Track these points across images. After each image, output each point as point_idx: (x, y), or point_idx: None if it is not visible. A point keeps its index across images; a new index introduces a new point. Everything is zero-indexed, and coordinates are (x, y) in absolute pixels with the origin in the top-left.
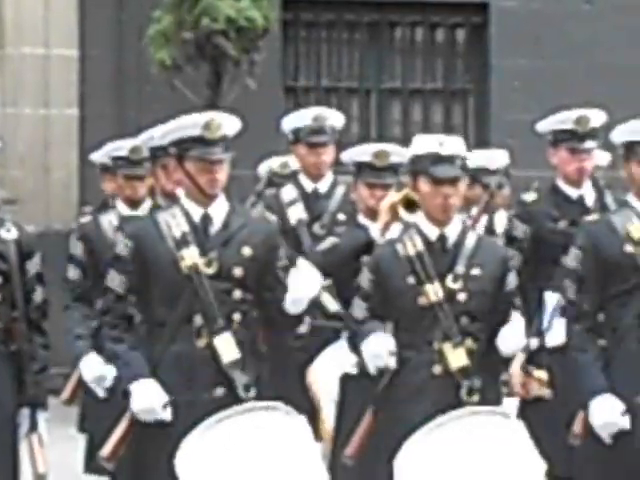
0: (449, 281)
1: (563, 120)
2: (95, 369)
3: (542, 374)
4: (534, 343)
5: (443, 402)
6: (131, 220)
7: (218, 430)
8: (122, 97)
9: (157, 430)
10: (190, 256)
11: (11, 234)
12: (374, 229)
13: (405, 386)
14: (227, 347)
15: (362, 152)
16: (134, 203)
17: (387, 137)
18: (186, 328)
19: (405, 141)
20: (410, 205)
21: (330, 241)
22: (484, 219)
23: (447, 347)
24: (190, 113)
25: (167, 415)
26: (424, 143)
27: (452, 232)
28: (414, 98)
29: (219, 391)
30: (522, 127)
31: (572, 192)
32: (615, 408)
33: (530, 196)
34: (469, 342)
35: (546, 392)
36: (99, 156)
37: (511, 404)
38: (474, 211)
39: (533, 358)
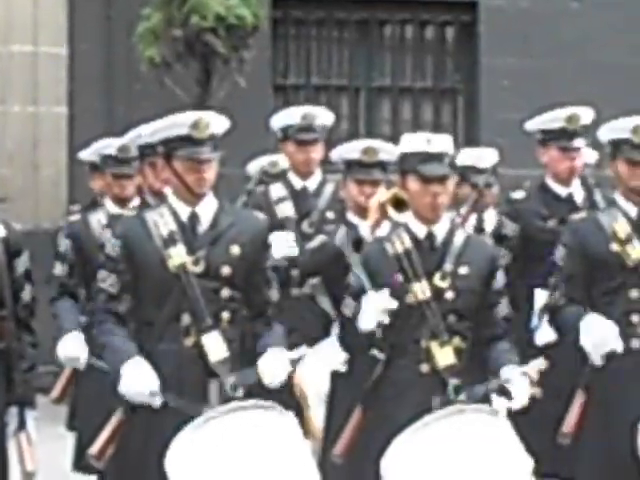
0: (437, 279)
1: (553, 118)
2: (67, 351)
3: (532, 373)
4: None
5: (430, 400)
6: (120, 220)
7: (207, 429)
8: (111, 95)
9: (146, 428)
10: (178, 255)
11: None
12: (363, 227)
13: (392, 384)
14: (215, 346)
15: (351, 149)
16: (122, 201)
17: (376, 135)
18: (174, 327)
19: (394, 139)
20: (399, 204)
21: (319, 239)
22: (473, 218)
23: (434, 345)
24: (179, 111)
25: (156, 402)
26: (412, 141)
27: (440, 230)
28: (403, 96)
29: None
30: (511, 126)
31: (561, 190)
32: (607, 327)
33: (519, 194)
34: (456, 340)
35: (536, 390)
36: (87, 154)
37: (501, 403)
38: (463, 210)
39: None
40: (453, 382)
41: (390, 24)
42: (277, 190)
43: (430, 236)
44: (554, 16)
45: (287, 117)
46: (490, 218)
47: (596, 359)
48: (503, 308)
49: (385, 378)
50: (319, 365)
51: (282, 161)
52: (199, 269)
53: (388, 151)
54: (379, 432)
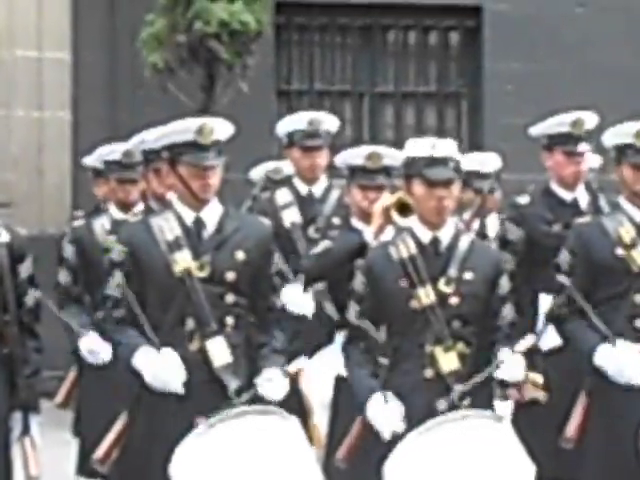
0: (441, 284)
1: (558, 123)
2: (91, 344)
3: (537, 377)
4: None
5: (434, 405)
6: (124, 225)
7: (212, 434)
8: (115, 100)
9: (150, 433)
10: (183, 260)
11: (2, 237)
12: (367, 232)
13: (396, 389)
14: (219, 351)
15: (355, 155)
16: (126, 207)
17: (380, 140)
18: (179, 331)
19: (398, 144)
20: (403, 209)
21: (323, 245)
22: (476, 223)
23: (438, 351)
24: (183, 117)
25: (180, 389)
26: (417, 146)
27: (445, 235)
28: (407, 101)
29: (212, 395)
30: (515, 130)
31: (566, 195)
32: (627, 351)
33: (523, 199)
34: (461, 346)
35: (541, 394)
36: (92, 160)
37: (505, 408)
38: (466, 215)
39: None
40: (457, 387)
41: (393, 30)
42: (283, 196)
43: (435, 241)
44: (558, 21)
45: (293, 123)
46: (492, 223)
47: (621, 380)
48: (508, 313)
49: (389, 383)
50: (323, 371)
51: (285, 167)
52: (204, 274)
53: (392, 156)
54: (382, 437)
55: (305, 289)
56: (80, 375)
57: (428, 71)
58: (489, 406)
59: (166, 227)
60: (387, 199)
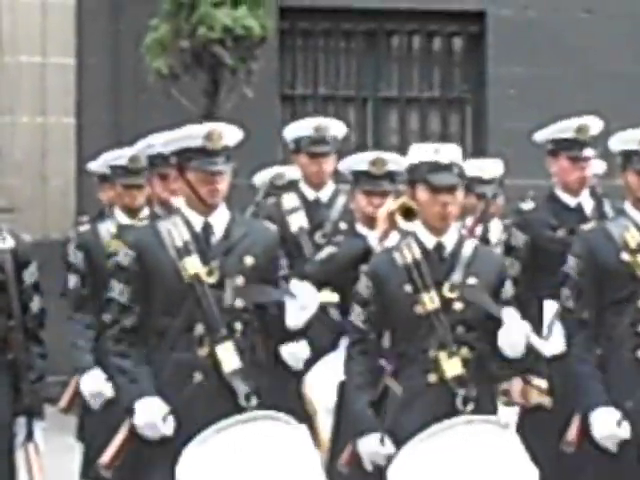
0: (445, 290)
1: (563, 129)
2: (95, 385)
3: (542, 382)
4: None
5: (438, 411)
6: (132, 229)
7: (219, 439)
8: (119, 105)
9: (156, 439)
10: (192, 265)
11: (7, 243)
12: (372, 237)
13: (400, 394)
14: (229, 356)
15: (359, 161)
16: (132, 212)
17: (384, 145)
18: (188, 337)
19: (402, 150)
20: (408, 213)
21: (327, 250)
22: (479, 228)
23: (442, 356)
24: (187, 122)
25: (169, 429)
26: (421, 151)
27: (449, 241)
28: (411, 107)
29: (221, 400)
30: (519, 135)
31: (570, 200)
32: (615, 420)
33: (528, 205)
34: (464, 351)
35: (546, 400)
36: (97, 165)
37: (510, 414)
38: (469, 220)
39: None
40: (461, 392)
41: (397, 35)
42: (290, 201)
43: (439, 246)
44: (561, 26)
45: (299, 129)
46: (495, 228)
47: (610, 447)
48: None
49: (392, 388)
50: (328, 375)
51: (289, 173)
52: (213, 279)
53: (396, 162)
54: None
55: None
56: None
57: (432, 76)
58: (493, 411)
59: (175, 232)
60: (391, 204)
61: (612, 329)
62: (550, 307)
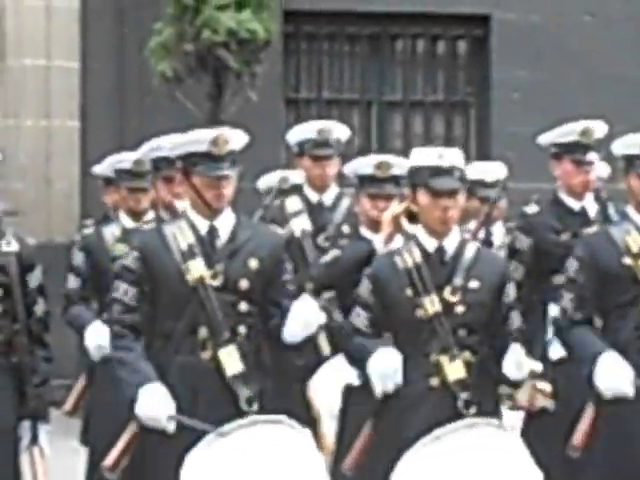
0: (447, 293)
1: (567, 132)
2: (98, 338)
3: (546, 386)
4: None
5: (440, 414)
6: (137, 232)
7: (222, 444)
8: (123, 109)
9: (161, 442)
10: (196, 268)
11: (11, 247)
12: (377, 241)
13: (403, 398)
14: (231, 360)
15: (364, 164)
16: (137, 215)
17: (388, 149)
18: (191, 340)
19: (406, 153)
20: (413, 216)
21: (332, 253)
22: (482, 232)
23: (444, 359)
24: (192, 125)
25: (171, 427)
26: (423, 155)
27: (450, 244)
28: (415, 110)
29: (223, 403)
30: (522, 139)
31: (574, 204)
32: (622, 372)
33: (532, 208)
34: (466, 355)
35: (550, 403)
36: (102, 169)
37: (515, 418)
38: (472, 224)
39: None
40: (463, 396)
41: (401, 38)
42: (293, 204)
43: (440, 250)
44: (565, 30)
45: (303, 132)
46: (498, 232)
47: (607, 395)
48: (515, 321)
49: (395, 392)
50: (332, 379)
51: (293, 176)
52: (217, 282)
53: (401, 165)
54: (389, 446)
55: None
56: (89, 383)
57: (436, 80)
58: (496, 414)
59: (180, 236)
60: (396, 207)
61: (616, 333)
62: (554, 310)
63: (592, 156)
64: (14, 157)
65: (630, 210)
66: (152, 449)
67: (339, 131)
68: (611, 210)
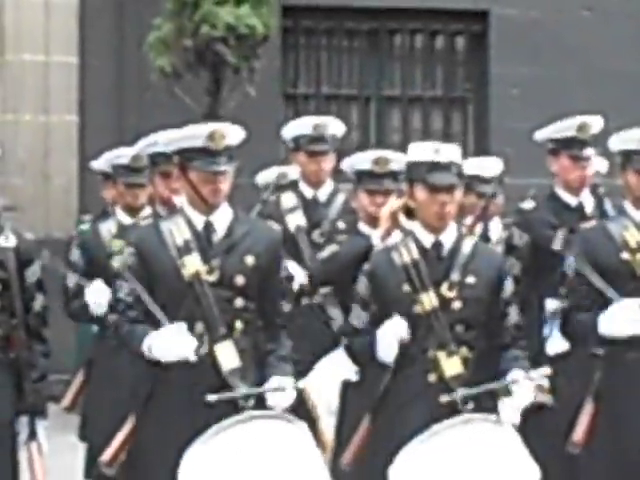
0: (444, 289)
1: (564, 128)
2: (98, 295)
3: (544, 381)
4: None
5: (438, 410)
6: (134, 228)
7: (220, 439)
8: (122, 104)
9: (159, 437)
10: (192, 263)
11: (10, 242)
12: (375, 236)
13: (400, 394)
14: (228, 355)
15: (362, 160)
16: (134, 211)
17: (386, 144)
18: None
19: (404, 149)
20: (411, 212)
21: (330, 249)
22: (479, 227)
23: (442, 355)
24: (190, 120)
25: (192, 356)
26: (420, 151)
27: (448, 239)
28: (414, 106)
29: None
30: (521, 135)
31: (571, 199)
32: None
33: (528, 204)
34: (464, 350)
35: (548, 398)
36: (100, 164)
37: (508, 411)
38: (468, 219)
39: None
40: (460, 391)
41: (400, 34)
42: (288, 199)
43: (437, 245)
44: (564, 25)
45: (298, 127)
46: (495, 227)
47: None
48: (513, 316)
49: (393, 388)
50: (330, 376)
51: (291, 172)
52: (213, 278)
53: (399, 161)
54: (387, 441)
55: (311, 294)
56: (88, 378)
57: (435, 75)
58: (493, 410)
59: (176, 231)
60: (394, 203)
61: None
62: (552, 306)
63: (589, 151)
64: (12, 152)
65: (627, 205)
66: (150, 444)
67: (334, 127)
68: (608, 205)
